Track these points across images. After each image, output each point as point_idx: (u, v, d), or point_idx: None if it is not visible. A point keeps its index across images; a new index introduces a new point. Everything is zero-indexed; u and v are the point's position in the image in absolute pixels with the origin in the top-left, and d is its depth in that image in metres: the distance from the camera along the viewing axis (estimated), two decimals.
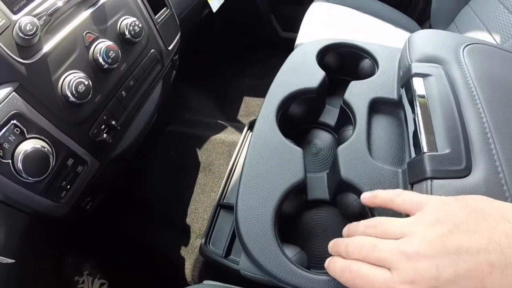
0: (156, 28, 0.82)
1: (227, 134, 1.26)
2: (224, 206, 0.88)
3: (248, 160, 0.57)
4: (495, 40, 1.14)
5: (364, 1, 1.60)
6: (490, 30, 1.19)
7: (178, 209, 1.08)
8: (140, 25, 0.72)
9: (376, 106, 0.67)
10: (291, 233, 0.60)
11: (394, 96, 0.67)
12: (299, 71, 0.72)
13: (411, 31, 1.52)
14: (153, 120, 0.96)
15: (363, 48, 0.78)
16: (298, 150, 0.58)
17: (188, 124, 1.33)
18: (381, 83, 0.69)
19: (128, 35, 0.70)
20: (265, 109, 0.64)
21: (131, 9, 0.74)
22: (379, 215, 0.48)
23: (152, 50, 0.80)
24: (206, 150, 1.21)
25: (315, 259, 0.58)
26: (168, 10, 0.88)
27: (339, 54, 0.80)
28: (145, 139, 0.98)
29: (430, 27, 1.63)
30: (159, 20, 0.83)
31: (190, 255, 1.00)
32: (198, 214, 1.06)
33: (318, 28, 1.34)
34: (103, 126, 0.70)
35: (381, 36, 1.40)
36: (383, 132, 0.63)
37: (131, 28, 0.70)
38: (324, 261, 0.57)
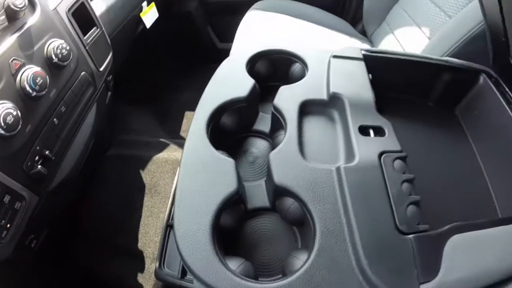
0: (86, 49, 0.82)
1: (170, 152, 1.27)
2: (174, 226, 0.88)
3: (180, 177, 0.58)
4: (424, 33, 1.29)
5: (299, 7, 1.68)
6: (420, 25, 1.34)
7: (129, 234, 1.07)
8: (67, 48, 0.72)
9: (307, 108, 0.71)
10: (236, 244, 0.62)
11: (324, 96, 0.72)
12: (229, 81, 0.74)
13: (346, 33, 1.63)
14: (90, 145, 0.95)
15: (292, 52, 0.82)
16: (230, 161, 0.60)
17: (130, 146, 1.32)
18: (311, 85, 0.74)
19: (55, 59, 0.70)
20: (194, 124, 0.66)
21: (58, 31, 0.74)
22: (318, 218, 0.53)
23: (83, 73, 0.80)
24: (150, 171, 1.20)
25: (263, 267, 0.60)
26: (98, 30, 0.88)
27: (269, 60, 0.84)
28: (85, 165, 0.96)
29: (362, 28, 1.75)
30: (88, 41, 0.83)
31: (147, 281, 0.99)
32: (149, 238, 1.05)
33: (252, 37, 1.38)
34: (37, 158, 0.69)
35: (316, 40, 1.47)
36: (315, 133, 0.67)
37: (59, 51, 0.70)
38: (272, 267, 0.60)
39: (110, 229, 1.10)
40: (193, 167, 0.59)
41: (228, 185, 0.56)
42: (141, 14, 1.21)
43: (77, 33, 0.80)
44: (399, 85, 1.04)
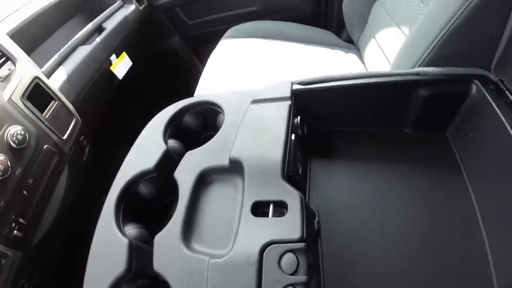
0: (46, 125, 1.01)
1: None
2: None
3: (89, 258, 0.65)
4: (403, 32, 1.20)
5: (276, 26, 1.73)
6: (398, 23, 1.26)
7: None
8: (22, 133, 0.91)
9: (208, 177, 0.70)
10: None
11: (226, 161, 0.70)
12: (144, 148, 0.78)
13: (328, 44, 1.65)
14: (68, 201, 1.14)
15: (209, 101, 0.84)
16: (124, 241, 0.63)
17: None
18: (218, 146, 0.74)
19: (13, 145, 0.89)
20: (107, 200, 0.72)
21: (15, 118, 0.93)
22: None
23: (46, 146, 0.99)
24: None
25: None
26: (57, 103, 1.07)
27: (196, 113, 0.87)
28: (70, 217, 1.16)
29: (348, 35, 1.77)
30: (47, 116, 1.03)
31: None
32: None
33: (220, 71, 1.45)
34: (13, 224, 0.89)
35: (294, 60, 1.51)
36: (213, 208, 0.67)
37: (15, 138, 0.89)
38: None
39: None
40: (98, 248, 0.65)
41: (118, 266, 0.60)
42: (111, 68, 1.41)
43: (34, 114, 0.99)
44: (359, 116, 0.93)
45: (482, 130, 0.79)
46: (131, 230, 0.71)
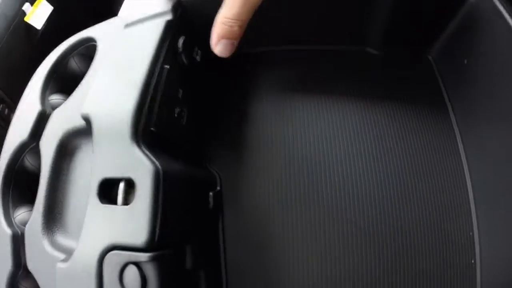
0: None
1: None
2: None
3: None
4: None
5: None
6: None
7: None
8: None
9: (70, 144, 0.55)
10: None
11: (82, 120, 0.50)
12: (22, 113, 0.65)
13: None
14: None
15: (84, 38, 0.64)
16: (7, 233, 0.53)
17: None
18: (81, 97, 0.54)
19: None
20: None
21: None
22: None
23: None
24: None
25: None
26: None
27: (82, 55, 0.67)
28: None
29: None
30: None
31: None
32: None
33: None
34: None
35: None
36: (73, 187, 0.53)
37: None
38: None
39: None
40: None
41: (6, 263, 0.52)
42: (25, 19, 1.27)
43: None
44: (294, 29, 0.64)
45: (485, 55, 0.51)
46: (23, 214, 0.60)
